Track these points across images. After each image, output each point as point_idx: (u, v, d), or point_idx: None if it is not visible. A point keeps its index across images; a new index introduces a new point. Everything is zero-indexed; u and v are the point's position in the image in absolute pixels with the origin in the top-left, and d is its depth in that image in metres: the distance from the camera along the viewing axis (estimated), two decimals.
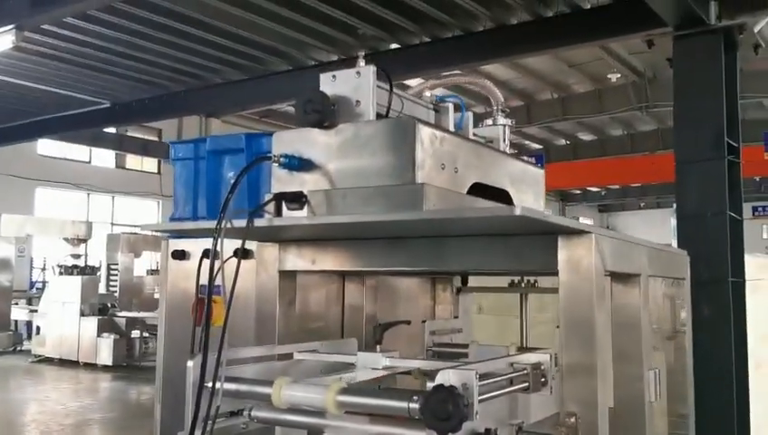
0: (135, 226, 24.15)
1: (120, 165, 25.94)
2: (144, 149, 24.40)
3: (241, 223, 1.88)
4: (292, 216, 1.94)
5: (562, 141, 25.25)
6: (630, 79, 18.64)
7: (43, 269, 19.48)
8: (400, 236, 2.16)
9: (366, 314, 2.86)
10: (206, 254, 2.72)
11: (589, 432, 1.77)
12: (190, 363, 1.91)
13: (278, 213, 2.02)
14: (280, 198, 2.00)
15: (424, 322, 2.78)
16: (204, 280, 2.28)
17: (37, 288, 18.65)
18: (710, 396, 2.87)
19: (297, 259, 2.35)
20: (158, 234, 23.95)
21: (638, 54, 17.43)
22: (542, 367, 1.91)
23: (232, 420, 2.00)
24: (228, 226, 1.84)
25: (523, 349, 2.65)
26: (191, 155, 3.48)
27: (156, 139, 25.16)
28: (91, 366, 13.32)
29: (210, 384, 1.85)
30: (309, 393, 1.72)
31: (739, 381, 4.34)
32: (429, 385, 1.50)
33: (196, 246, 2.77)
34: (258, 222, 1.88)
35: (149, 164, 26.37)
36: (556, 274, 1.96)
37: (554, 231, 1.85)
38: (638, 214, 36.41)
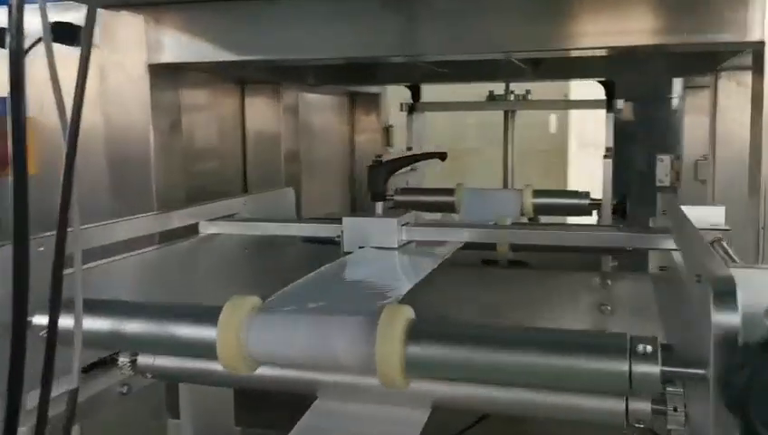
0: None
1: None
2: None
3: None
4: None
5: None
6: None
7: None
8: None
9: (285, 148, 1.79)
10: None
11: None
12: None
13: None
14: None
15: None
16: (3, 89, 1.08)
17: None
18: None
19: (184, 41, 1.20)
20: None
21: None
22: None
23: (95, 379, 0.93)
24: None
25: (541, 192, 1.74)
26: None
27: None
28: None
29: (41, 322, 0.75)
30: (330, 341, 0.65)
31: None
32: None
33: None
34: None
35: None
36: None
37: None
38: None
